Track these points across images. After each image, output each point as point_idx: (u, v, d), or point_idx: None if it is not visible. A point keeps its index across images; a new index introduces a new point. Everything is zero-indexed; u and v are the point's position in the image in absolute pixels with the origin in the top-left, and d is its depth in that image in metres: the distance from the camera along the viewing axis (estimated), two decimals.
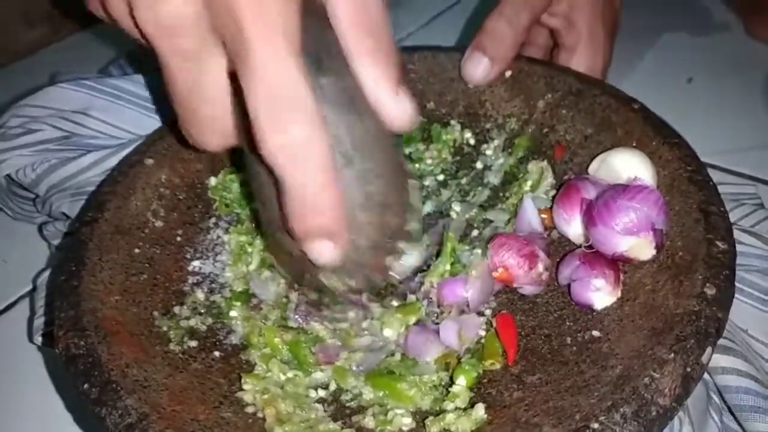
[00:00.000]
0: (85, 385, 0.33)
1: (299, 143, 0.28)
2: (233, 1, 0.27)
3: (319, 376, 0.37)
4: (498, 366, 0.36)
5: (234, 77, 0.29)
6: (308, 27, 0.29)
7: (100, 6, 0.33)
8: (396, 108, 0.32)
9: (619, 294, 0.37)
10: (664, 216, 0.37)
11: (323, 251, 0.31)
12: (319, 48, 0.31)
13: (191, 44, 0.29)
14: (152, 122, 0.52)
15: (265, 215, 0.36)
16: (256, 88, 0.28)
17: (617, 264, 0.37)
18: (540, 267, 0.38)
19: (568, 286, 0.38)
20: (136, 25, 0.30)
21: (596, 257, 0.37)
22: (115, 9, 0.31)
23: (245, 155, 0.34)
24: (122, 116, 0.53)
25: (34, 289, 0.48)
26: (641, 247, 0.36)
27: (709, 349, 0.32)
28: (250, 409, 0.35)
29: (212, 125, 0.32)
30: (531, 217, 0.42)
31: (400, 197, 0.36)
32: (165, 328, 0.38)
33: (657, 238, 0.36)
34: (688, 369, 0.31)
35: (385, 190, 0.34)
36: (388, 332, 0.38)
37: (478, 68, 0.50)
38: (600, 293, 0.36)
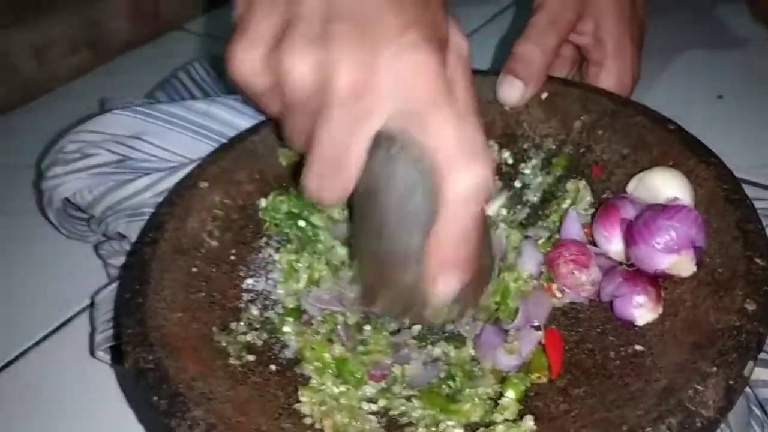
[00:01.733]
0: (155, 398, 0.35)
1: (476, 187, 0.33)
2: (411, 72, 0.32)
3: (369, 390, 0.39)
4: (544, 380, 0.37)
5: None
6: None
7: (258, 68, 0.35)
8: None
9: (660, 310, 0.38)
10: (703, 234, 0.38)
11: (450, 282, 0.35)
12: None
13: (366, 106, 0.32)
14: (202, 146, 0.55)
15: (377, 250, 0.38)
16: (443, 135, 0.33)
17: (658, 281, 0.39)
18: (583, 277, 0.40)
19: (610, 302, 0.40)
20: (313, 83, 0.33)
21: (638, 274, 0.39)
22: (292, 66, 0.33)
23: (370, 196, 0.37)
24: (173, 140, 0.55)
25: (93, 305, 0.51)
26: (682, 265, 0.38)
27: (750, 363, 0.33)
28: (307, 421, 0.36)
29: (346, 184, 0.35)
30: (576, 229, 0.43)
31: (489, 264, 0.41)
32: (224, 343, 0.40)
33: (697, 256, 0.38)
34: (731, 382, 0.32)
35: (487, 253, 0.40)
36: (437, 351, 0.40)
37: (513, 91, 0.52)
38: (642, 309, 0.38)
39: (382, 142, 0.34)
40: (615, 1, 0.54)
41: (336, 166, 0.34)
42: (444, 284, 0.35)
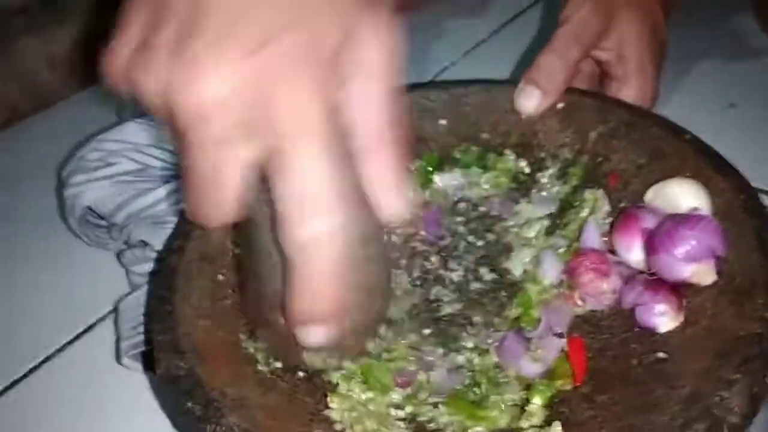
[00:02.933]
0: (189, 404, 0.35)
1: (324, 237, 0.30)
2: (273, 98, 0.28)
3: (396, 397, 0.40)
4: (568, 387, 0.38)
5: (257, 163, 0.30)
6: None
7: (121, 78, 0.31)
8: (393, 201, 0.34)
9: (682, 318, 0.39)
10: (723, 243, 0.39)
11: (316, 334, 0.33)
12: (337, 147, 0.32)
13: (219, 131, 0.29)
14: None
15: (256, 288, 0.38)
16: (290, 183, 0.29)
17: (679, 290, 0.40)
18: (605, 285, 0.41)
19: (632, 310, 0.40)
20: (164, 103, 0.29)
21: (659, 283, 0.39)
22: (144, 83, 0.30)
23: (251, 232, 0.36)
24: None
25: (116, 312, 0.51)
26: (703, 273, 0.38)
27: None
28: (338, 427, 0.37)
29: (219, 208, 0.32)
30: (595, 238, 0.44)
31: (385, 283, 0.39)
32: (252, 350, 0.41)
33: (717, 264, 0.38)
34: (755, 389, 0.33)
35: (375, 277, 0.37)
36: (461, 359, 0.41)
37: (531, 100, 0.52)
38: (664, 318, 0.39)
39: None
40: (640, 21, 0.55)
41: (206, 188, 0.31)
42: (310, 336, 0.33)
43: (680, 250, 0.39)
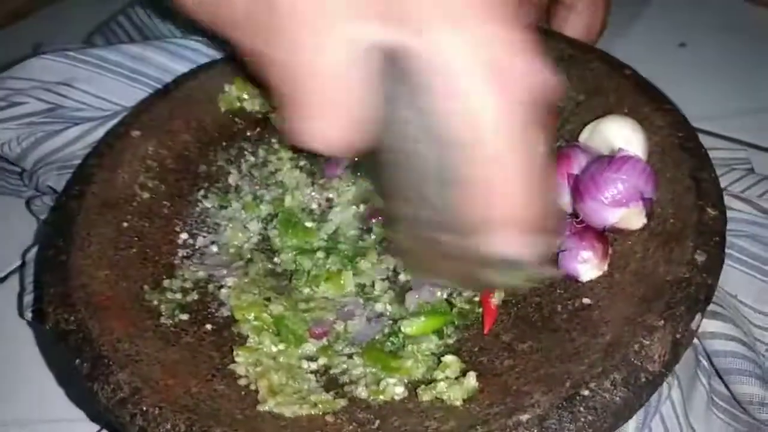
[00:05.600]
0: (77, 361, 0.33)
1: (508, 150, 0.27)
2: None
3: (309, 348, 0.37)
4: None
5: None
6: None
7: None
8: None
9: (605, 267, 0.37)
10: (652, 184, 0.37)
11: (515, 245, 0.29)
12: None
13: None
14: (137, 93, 0.51)
15: (416, 213, 0.32)
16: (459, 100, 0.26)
17: (606, 237, 0.37)
18: None
19: (557, 254, 0.38)
20: None
21: (585, 229, 0.37)
22: None
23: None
24: (107, 87, 0.52)
25: (23, 264, 0.48)
26: (631, 217, 0.36)
27: (698, 316, 0.32)
28: (242, 381, 0.35)
29: (345, 115, 0.28)
30: None
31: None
32: (155, 302, 0.38)
33: (647, 207, 0.36)
34: (678, 336, 0.32)
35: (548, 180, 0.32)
36: (380, 307, 0.39)
37: None
38: (587, 265, 0.37)
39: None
40: None
41: (325, 99, 0.27)
42: (506, 245, 0.29)
43: (606, 195, 0.36)
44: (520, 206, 0.28)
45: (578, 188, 0.37)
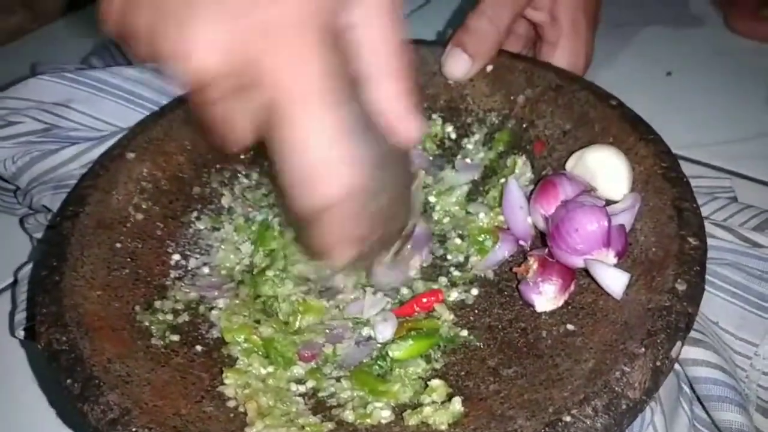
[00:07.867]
0: (68, 381, 0.33)
1: (335, 200, 0.30)
2: (263, 58, 0.27)
3: (298, 371, 0.38)
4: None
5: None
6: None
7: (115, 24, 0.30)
8: (406, 125, 0.33)
9: (562, 302, 0.38)
10: (618, 232, 0.37)
11: (340, 257, 0.33)
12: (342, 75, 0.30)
13: (217, 94, 0.29)
14: (134, 114, 0.52)
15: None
16: (294, 148, 0.29)
17: (573, 272, 0.38)
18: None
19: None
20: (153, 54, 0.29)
21: (552, 263, 0.38)
22: (138, 33, 0.29)
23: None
24: (103, 108, 0.53)
25: (15, 282, 0.48)
26: (602, 259, 0.37)
27: (678, 344, 0.33)
28: (231, 404, 0.35)
29: (238, 142, 0.32)
30: (517, 198, 0.42)
31: (405, 201, 0.37)
32: (147, 323, 0.39)
33: (616, 247, 0.37)
34: (658, 363, 0.32)
35: (394, 195, 0.35)
36: (369, 331, 0.39)
37: (458, 65, 0.50)
38: (542, 298, 0.38)
39: None
40: None
41: (218, 129, 0.31)
42: (335, 262, 0.34)
43: (570, 246, 0.37)
44: (342, 245, 0.33)
45: (550, 231, 0.39)
